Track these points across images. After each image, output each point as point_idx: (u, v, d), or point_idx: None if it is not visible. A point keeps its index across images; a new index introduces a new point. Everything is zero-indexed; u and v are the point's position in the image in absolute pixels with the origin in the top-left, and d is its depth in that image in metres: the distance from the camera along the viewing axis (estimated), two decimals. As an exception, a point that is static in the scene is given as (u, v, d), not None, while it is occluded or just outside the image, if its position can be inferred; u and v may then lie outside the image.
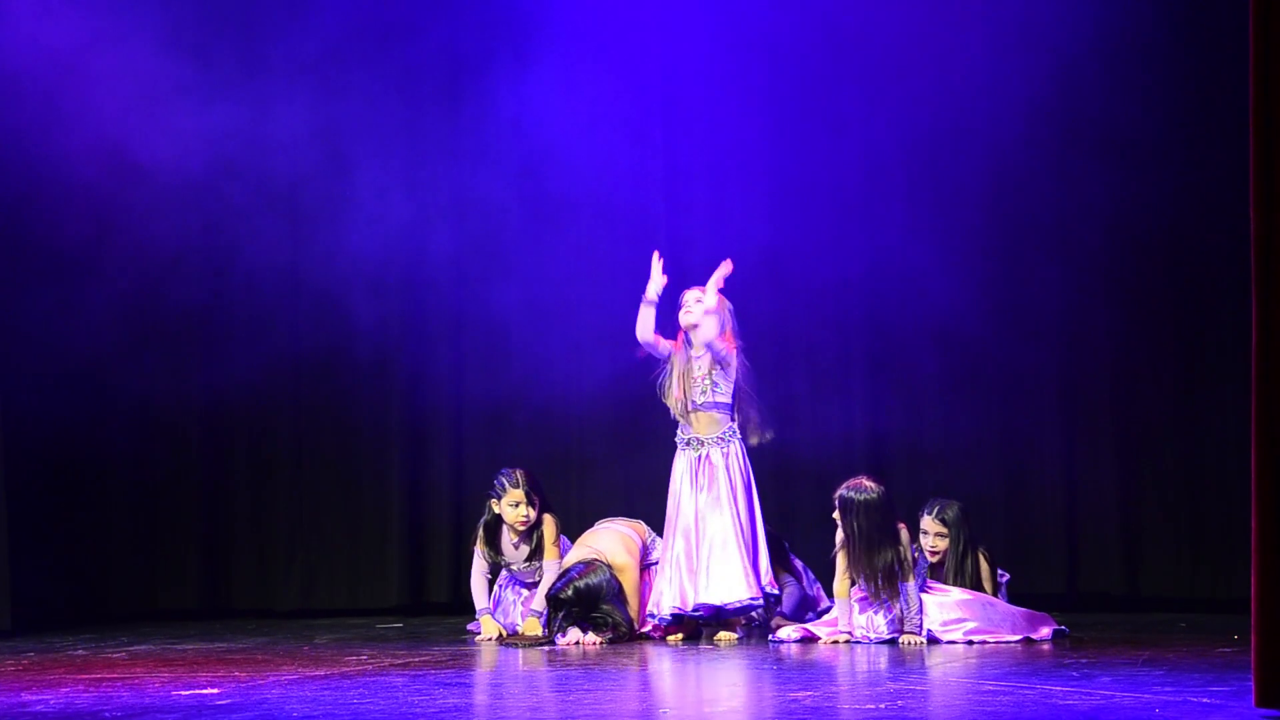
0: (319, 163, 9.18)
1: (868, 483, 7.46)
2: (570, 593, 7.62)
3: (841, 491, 7.46)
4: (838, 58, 9.03)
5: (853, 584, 7.47)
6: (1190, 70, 8.64)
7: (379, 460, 9.40)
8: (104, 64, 8.62)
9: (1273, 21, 4.63)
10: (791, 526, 8.51)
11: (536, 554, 8.02)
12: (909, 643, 7.27)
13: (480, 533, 8.08)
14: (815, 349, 9.05)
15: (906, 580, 7.34)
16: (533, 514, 7.96)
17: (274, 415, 9.40)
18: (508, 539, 8.06)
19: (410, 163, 9.30)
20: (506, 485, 7.97)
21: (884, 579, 7.36)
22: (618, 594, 7.68)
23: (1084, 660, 6.41)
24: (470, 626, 8.23)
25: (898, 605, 7.34)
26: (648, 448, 8.50)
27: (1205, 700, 5.16)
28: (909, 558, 7.37)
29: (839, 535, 7.48)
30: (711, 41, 9.12)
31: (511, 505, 7.97)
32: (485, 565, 8.08)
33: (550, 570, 7.94)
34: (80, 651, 7.41)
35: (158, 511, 9.39)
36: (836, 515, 7.47)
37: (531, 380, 9.19)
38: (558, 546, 8.00)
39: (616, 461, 9.01)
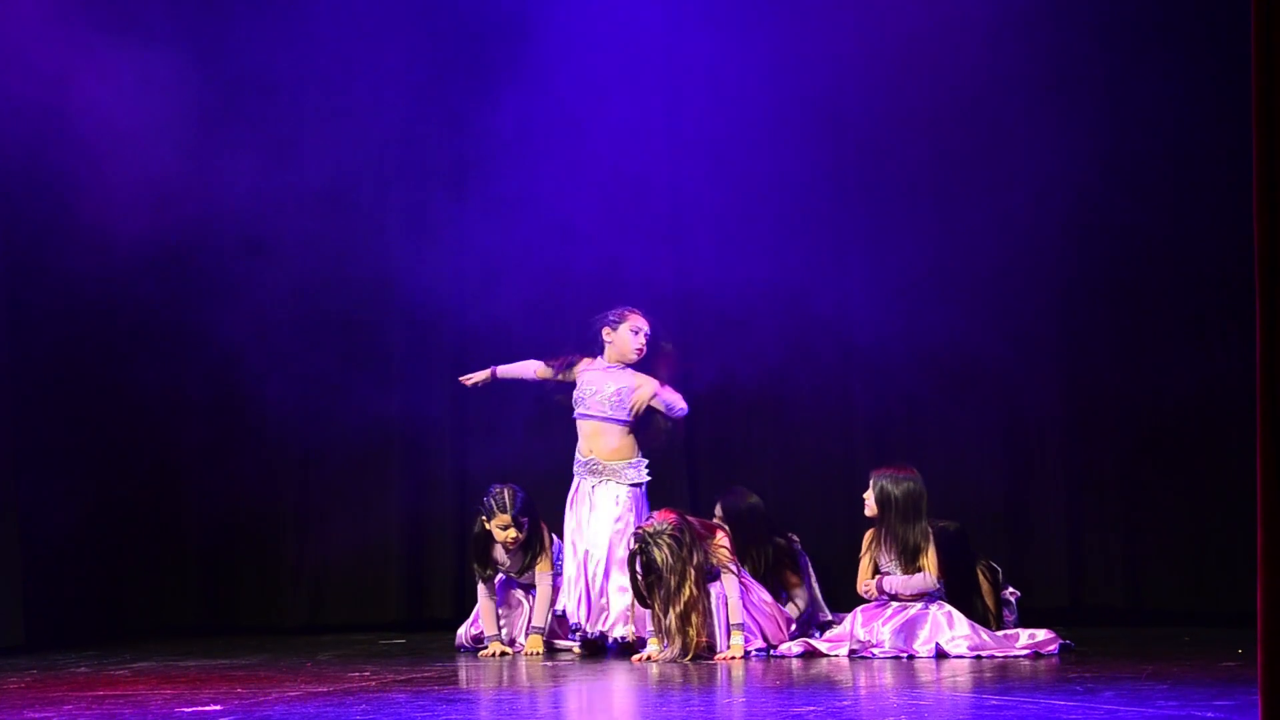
0: (326, 181, 9.26)
1: (909, 468, 7.62)
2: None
3: (880, 470, 7.62)
4: (841, 79, 9.05)
5: (875, 572, 7.55)
6: (1197, 114, 8.61)
7: (382, 474, 9.41)
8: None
9: (1275, 29, 4.61)
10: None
11: (531, 565, 8.05)
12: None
13: (471, 549, 8.13)
14: (818, 370, 9.04)
15: (926, 567, 7.44)
16: (522, 536, 8.00)
17: (280, 426, 9.40)
18: (500, 552, 8.07)
19: (409, 185, 9.35)
20: (495, 508, 7.99)
21: (911, 554, 7.47)
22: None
23: (1088, 674, 6.40)
24: (459, 642, 8.23)
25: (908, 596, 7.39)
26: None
27: (1210, 715, 5.15)
28: (933, 555, 7.46)
29: (867, 518, 7.59)
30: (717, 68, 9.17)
31: (501, 528, 8.00)
32: (490, 590, 8.09)
33: (543, 582, 7.97)
34: (83, 669, 7.40)
35: (166, 528, 9.40)
36: (870, 494, 7.55)
37: (534, 392, 9.18)
38: (549, 557, 8.03)
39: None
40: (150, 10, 8.98)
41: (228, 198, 9.05)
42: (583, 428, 8.04)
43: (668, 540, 7.41)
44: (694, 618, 7.41)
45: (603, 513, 7.92)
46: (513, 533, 7.98)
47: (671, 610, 7.41)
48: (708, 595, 7.49)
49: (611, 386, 7.99)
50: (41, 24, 8.43)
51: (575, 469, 8.07)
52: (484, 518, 8.05)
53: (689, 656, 7.39)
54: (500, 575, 8.15)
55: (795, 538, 8.27)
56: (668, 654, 7.41)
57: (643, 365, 8.08)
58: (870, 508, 7.60)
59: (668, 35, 9.24)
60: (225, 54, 9.21)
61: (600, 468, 7.97)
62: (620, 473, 7.96)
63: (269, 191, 9.14)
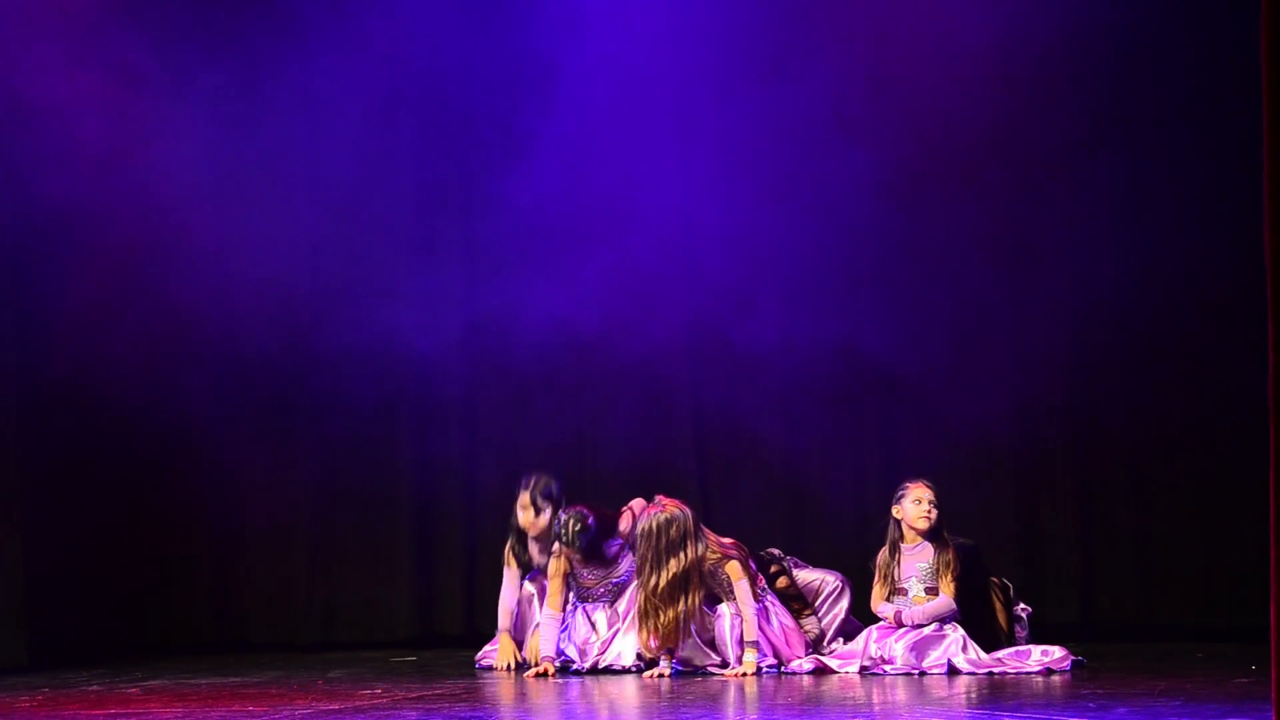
0: (336, 203, 9.35)
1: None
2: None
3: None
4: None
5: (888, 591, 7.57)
6: (1207, 129, 8.61)
7: (392, 492, 9.41)
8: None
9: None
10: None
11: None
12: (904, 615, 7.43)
13: (511, 533, 8.15)
14: (826, 383, 9.04)
15: (945, 590, 7.44)
16: (540, 522, 8.00)
17: (292, 446, 9.41)
18: (534, 548, 8.12)
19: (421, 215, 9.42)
20: (520, 489, 8.04)
21: (937, 572, 7.50)
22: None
23: (1101, 691, 6.38)
24: (479, 658, 8.21)
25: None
26: (661, 483, 8.46)
27: (1224, 730, 5.15)
28: (955, 568, 7.49)
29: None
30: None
31: (521, 509, 8.04)
32: (516, 580, 8.09)
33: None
34: (95, 687, 7.40)
35: (178, 546, 9.41)
36: (934, 505, 7.56)
37: (547, 414, 9.20)
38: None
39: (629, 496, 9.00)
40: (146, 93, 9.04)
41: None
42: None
43: (659, 519, 7.45)
44: (669, 609, 7.40)
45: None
46: (530, 515, 7.99)
47: (643, 588, 7.42)
48: (692, 591, 7.45)
49: (605, 579, 7.97)
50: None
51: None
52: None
53: (660, 645, 7.42)
54: (573, 595, 8.05)
55: (786, 558, 8.23)
56: (641, 637, 7.46)
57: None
58: (932, 520, 7.56)
59: (677, 104, 9.28)
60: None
61: None
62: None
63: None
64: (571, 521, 7.72)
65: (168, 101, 8.91)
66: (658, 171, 9.16)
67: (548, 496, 8.01)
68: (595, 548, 7.76)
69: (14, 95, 8.42)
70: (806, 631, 7.83)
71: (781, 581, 8.05)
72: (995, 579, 7.84)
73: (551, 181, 9.10)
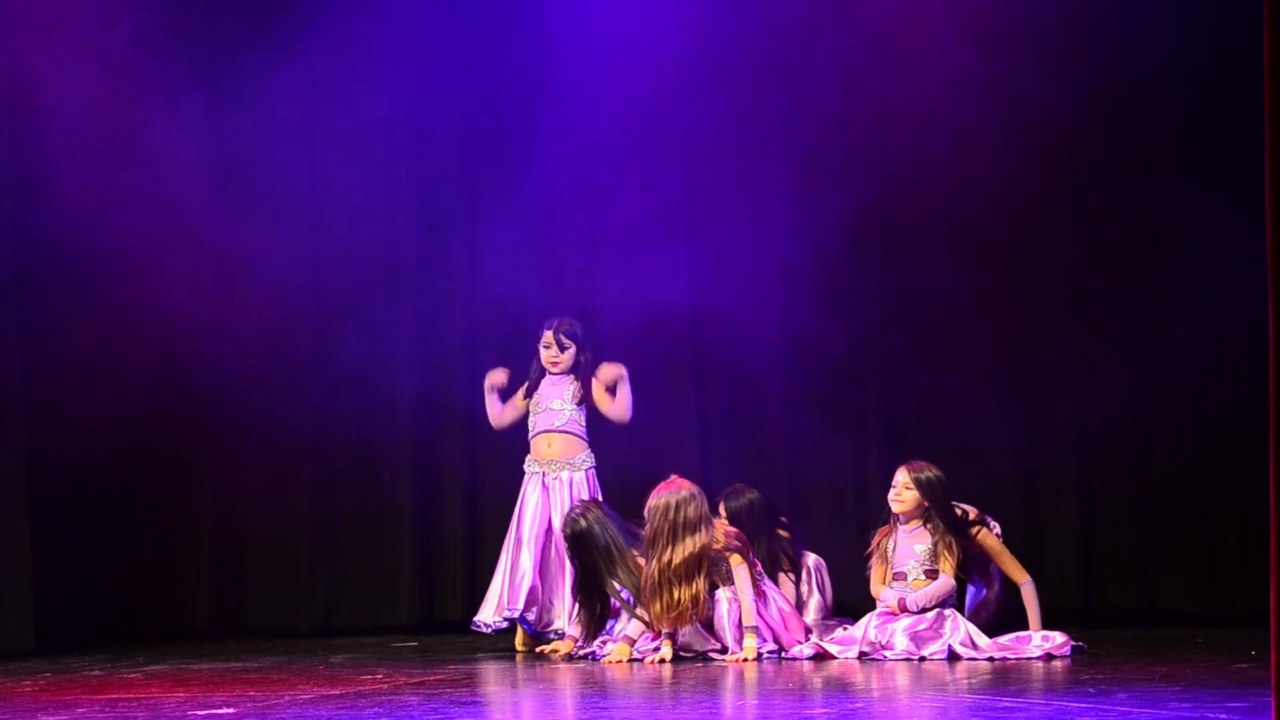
0: (349, 202, 9.39)
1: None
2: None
3: (911, 465, 7.63)
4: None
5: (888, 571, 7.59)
6: (1213, 141, 8.61)
7: (393, 478, 9.42)
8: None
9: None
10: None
11: (582, 401, 8.28)
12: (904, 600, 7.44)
13: (532, 370, 8.39)
14: (830, 371, 9.06)
15: (946, 570, 7.46)
16: (562, 359, 8.26)
17: (294, 430, 9.41)
18: (547, 380, 8.31)
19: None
20: (543, 329, 8.30)
21: (937, 553, 7.52)
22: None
23: (1100, 676, 6.39)
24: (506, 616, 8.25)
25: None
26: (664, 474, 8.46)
27: (1223, 716, 5.14)
28: (953, 558, 7.51)
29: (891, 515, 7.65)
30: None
31: (544, 346, 8.28)
32: (506, 405, 8.42)
33: (621, 409, 8.27)
34: (96, 672, 7.42)
35: (179, 531, 9.42)
36: (908, 487, 7.56)
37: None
38: (610, 396, 8.27)
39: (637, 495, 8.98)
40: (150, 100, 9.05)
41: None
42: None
43: (677, 494, 7.47)
44: (684, 587, 7.41)
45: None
46: (552, 353, 8.23)
47: (656, 561, 7.43)
48: (704, 573, 7.46)
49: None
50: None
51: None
52: None
53: (667, 627, 7.44)
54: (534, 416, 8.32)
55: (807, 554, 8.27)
56: (643, 618, 7.49)
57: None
58: (903, 502, 7.57)
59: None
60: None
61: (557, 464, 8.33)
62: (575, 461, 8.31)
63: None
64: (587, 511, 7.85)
65: (170, 115, 8.94)
66: (661, 180, 9.19)
67: (571, 336, 8.26)
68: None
69: (16, 100, 8.46)
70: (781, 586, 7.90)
71: (782, 534, 8.12)
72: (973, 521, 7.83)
73: (553, 193, 9.16)
